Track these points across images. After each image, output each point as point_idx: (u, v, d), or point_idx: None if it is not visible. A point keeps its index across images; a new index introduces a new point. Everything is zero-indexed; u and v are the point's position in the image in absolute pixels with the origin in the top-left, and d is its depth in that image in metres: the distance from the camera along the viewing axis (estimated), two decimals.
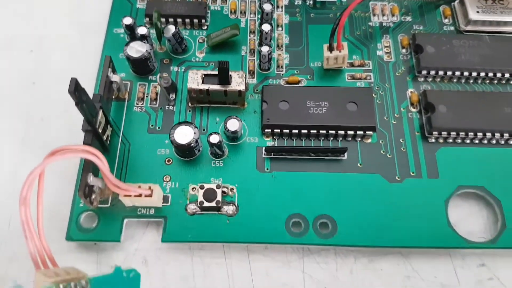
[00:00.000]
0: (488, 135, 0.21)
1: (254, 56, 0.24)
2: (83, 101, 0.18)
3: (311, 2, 0.26)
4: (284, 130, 0.21)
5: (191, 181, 0.21)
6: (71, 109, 0.22)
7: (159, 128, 0.22)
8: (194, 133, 0.20)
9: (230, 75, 0.21)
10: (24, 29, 0.26)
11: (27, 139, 0.23)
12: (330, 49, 0.22)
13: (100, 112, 0.20)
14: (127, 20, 0.23)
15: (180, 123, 0.20)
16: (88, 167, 0.18)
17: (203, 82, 0.22)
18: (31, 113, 0.23)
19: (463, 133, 0.21)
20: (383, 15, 0.25)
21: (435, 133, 0.21)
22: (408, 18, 0.25)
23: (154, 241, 0.20)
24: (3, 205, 0.20)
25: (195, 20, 0.25)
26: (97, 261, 0.19)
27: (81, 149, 0.18)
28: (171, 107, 0.23)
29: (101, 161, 0.18)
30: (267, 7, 0.24)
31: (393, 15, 0.25)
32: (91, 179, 0.18)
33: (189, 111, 0.23)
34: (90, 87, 0.23)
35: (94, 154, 0.18)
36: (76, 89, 0.17)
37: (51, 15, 0.26)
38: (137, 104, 0.23)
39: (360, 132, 0.21)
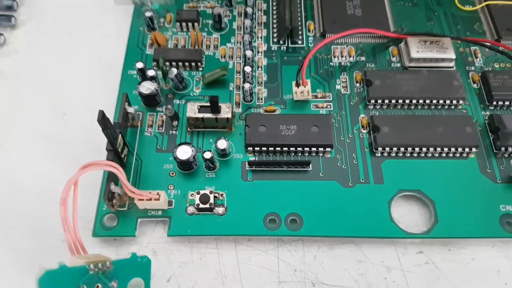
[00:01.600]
0: (424, 149, 0.27)
1: (239, 91, 0.30)
2: (107, 127, 0.24)
3: (285, 48, 0.32)
4: (263, 148, 0.27)
5: (190, 189, 0.26)
6: (94, 133, 0.28)
7: (164, 148, 0.28)
8: (192, 151, 0.26)
9: (220, 106, 0.28)
10: (56, 69, 0.32)
11: (61, 156, 0.28)
12: (297, 85, 0.29)
13: (119, 136, 0.26)
14: (139, 65, 0.29)
15: (181, 144, 0.26)
16: (111, 178, 0.24)
17: (199, 112, 0.28)
18: (62, 137, 0.29)
19: (402, 148, 0.27)
20: (342, 56, 0.32)
21: (380, 148, 0.27)
22: (363, 58, 0.32)
23: (161, 236, 0.25)
24: (44, 208, 0.26)
25: (193, 63, 0.31)
26: (116, 252, 0.25)
27: (106, 163, 0.24)
28: (174, 132, 0.28)
29: (121, 173, 0.24)
30: (248, 53, 0.30)
31: (350, 56, 0.32)
32: (113, 187, 0.24)
33: (188, 134, 0.28)
34: (110, 116, 0.29)
35: (116, 168, 0.24)
36: (103, 118, 0.23)
37: (77, 56, 0.33)
38: (147, 130, 0.28)
39: (321, 149, 0.27)
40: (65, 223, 0.22)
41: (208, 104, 0.28)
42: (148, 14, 0.32)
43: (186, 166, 0.26)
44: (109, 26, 0.34)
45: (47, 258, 0.25)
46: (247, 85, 0.29)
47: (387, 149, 0.27)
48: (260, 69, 0.31)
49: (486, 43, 0.32)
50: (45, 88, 0.31)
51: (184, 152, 0.26)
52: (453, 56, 0.31)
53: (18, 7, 0.36)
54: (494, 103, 0.30)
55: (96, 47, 0.33)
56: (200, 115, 0.27)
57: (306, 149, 0.27)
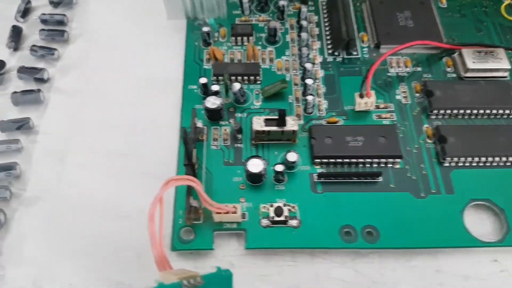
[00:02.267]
0: (490, 159, 0.27)
1: (299, 103, 0.31)
2: (187, 143, 0.24)
3: (341, 59, 0.33)
4: (330, 160, 0.27)
5: (261, 201, 0.26)
6: (158, 148, 0.29)
7: (231, 161, 0.28)
8: (263, 164, 0.26)
9: (286, 119, 0.28)
10: (112, 85, 0.33)
11: (127, 171, 0.28)
12: (361, 96, 0.29)
13: (194, 151, 0.26)
14: (203, 80, 0.30)
15: (251, 157, 0.26)
16: (189, 192, 0.24)
17: (265, 125, 0.28)
18: (126, 153, 0.29)
19: (470, 158, 0.27)
20: (399, 66, 0.32)
21: (448, 159, 0.27)
22: (419, 68, 0.32)
23: (236, 248, 0.25)
24: (114, 223, 0.26)
25: (251, 77, 0.31)
26: (194, 266, 0.25)
27: (186, 178, 0.24)
28: (239, 145, 0.29)
29: (200, 187, 0.24)
30: (308, 65, 0.30)
31: (406, 67, 0.32)
32: (192, 201, 0.24)
33: (253, 147, 0.29)
34: (174, 131, 0.29)
35: (195, 182, 0.24)
36: (185, 135, 0.23)
37: (133, 71, 0.33)
38: (213, 143, 0.29)
39: (390, 160, 0.27)
40: (153, 239, 0.22)
41: (273, 117, 0.28)
42: (205, 29, 0.32)
43: (256, 179, 0.27)
44: (162, 40, 0.34)
45: (122, 274, 0.25)
46: (310, 98, 0.29)
47: (455, 159, 0.27)
48: (317, 80, 0.32)
49: None
50: (104, 104, 0.32)
51: (256, 165, 0.26)
52: (508, 66, 0.31)
53: (69, 21, 0.36)
54: None
55: (151, 62, 0.33)
56: (267, 128, 0.28)
57: (375, 160, 0.27)
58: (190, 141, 0.25)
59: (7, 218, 0.27)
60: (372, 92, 0.29)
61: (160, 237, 0.22)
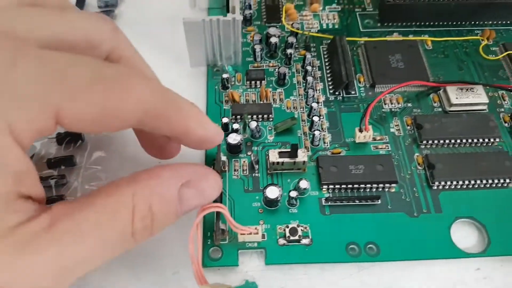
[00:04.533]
0: (472, 181, 0.32)
1: (307, 137, 0.35)
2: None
3: (341, 98, 0.38)
4: (336, 186, 0.32)
5: (277, 223, 0.31)
6: None
7: (251, 188, 0.33)
8: (279, 190, 0.31)
9: (297, 152, 0.33)
10: None
11: None
12: (360, 130, 0.34)
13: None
14: (225, 120, 0.35)
15: (269, 185, 0.31)
16: (219, 217, 0.29)
17: (279, 157, 0.33)
18: None
19: (455, 182, 0.32)
20: (392, 103, 0.37)
21: (436, 182, 0.32)
22: (409, 104, 0.37)
23: (257, 264, 0.29)
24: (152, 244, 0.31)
25: (265, 115, 0.36)
26: (223, 279, 0.29)
27: (217, 206, 0.28)
28: (256, 174, 0.33)
29: (227, 212, 0.29)
30: (314, 105, 0.35)
31: (398, 103, 0.37)
32: (221, 224, 0.29)
33: (268, 176, 0.33)
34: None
35: (223, 208, 0.28)
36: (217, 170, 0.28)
37: None
38: (234, 173, 0.34)
39: (387, 184, 0.32)
40: (193, 258, 0.26)
41: (285, 150, 0.33)
42: (225, 75, 0.38)
43: (273, 204, 0.31)
44: (186, 85, 0.40)
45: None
46: (317, 132, 0.34)
47: (443, 182, 0.32)
48: (322, 117, 0.37)
49: (510, 88, 0.37)
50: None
51: (273, 192, 0.31)
52: (486, 100, 0.36)
53: None
54: None
55: None
56: (281, 160, 0.33)
57: (374, 185, 0.32)
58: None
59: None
60: (370, 127, 0.34)
61: (198, 256, 0.27)
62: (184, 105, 0.24)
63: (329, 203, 0.32)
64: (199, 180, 0.24)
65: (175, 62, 0.41)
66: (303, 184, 0.31)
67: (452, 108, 0.36)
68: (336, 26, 0.43)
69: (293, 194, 0.31)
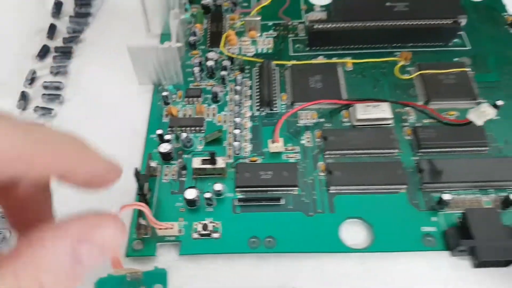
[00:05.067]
0: (362, 187, 0.37)
1: (231, 147, 0.41)
2: (139, 179, 0.35)
3: (264, 114, 0.43)
4: (248, 188, 0.37)
5: (195, 220, 0.36)
6: (123, 181, 0.39)
7: (176, 191, 0.38)
8: (196, 192, 0.36)
9: (216, 159, 0.38)
10: (95, 135, 0.44)
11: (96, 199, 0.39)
12: (272, 142, 0.39)
13: (146, 184, 0.36)
14: (159, 131, 0.40)
15: (188, 187, 0.37)
16: (140, 214, 0.34)
17: (201, 164, 0.38)
18: None
19: (348, 187, 0.37)
20: (307, 119, 0.43)
21: (333, 187, 0.37)
22: (322, 120, 0.43)
23: (173, 255, 0.35)
24: None
25: (197, 128, 0.42)
26: (143, 267, 0.34)
27: (137, 204, 0.34)
28: (183, 178, 0.39)
29: (147, 211, 0.34)
30: (237, 119, 0.41)
31: (313, 119, 0.43)
32: (141, 221, 0.34)
33: (194, 180, 0.39)
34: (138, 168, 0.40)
35: (144, 207, 0.34)
36: (136, 173, 0.34)
37: (111, 125, 0.44)
38: (164, 178, 0.39)
39: (290, 188, 0.37)
40: None
41: (208, 157, 0.38)
42: (164, 93, 0.43)
43: (191, 203, 0.37)
44: (134, 100, 0.46)
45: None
46: (236, 143, 0.40)
47: (338, 187, 0.37)
48: (246, 130, 0.42)
49: (415, 106, 0.43)
50: None
51: (191, 193, 0.36)
52: (389, 116, 0.41)
53: (64, 87, 0.48)
54: (422, 151, 0.40)
55: (125, 116, 0.44)
56: (203, 166, 0.38)
57: (279, 188, 0.37)
58: (142, 177, 0.35)
59: (12, 234, 0.37)
60: (281, 139, 0.39)
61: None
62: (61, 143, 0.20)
63: (241, 204, 0.37)
64: (93, 233, 0.19)
65: (127, 80, 0.47)
66: (217, 186, 0.37)
67: (358, 123, 0.42)
68: (270, 51, 0.49)
69: (208, 195, 0.36)
